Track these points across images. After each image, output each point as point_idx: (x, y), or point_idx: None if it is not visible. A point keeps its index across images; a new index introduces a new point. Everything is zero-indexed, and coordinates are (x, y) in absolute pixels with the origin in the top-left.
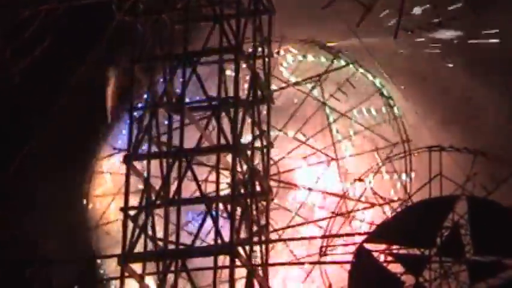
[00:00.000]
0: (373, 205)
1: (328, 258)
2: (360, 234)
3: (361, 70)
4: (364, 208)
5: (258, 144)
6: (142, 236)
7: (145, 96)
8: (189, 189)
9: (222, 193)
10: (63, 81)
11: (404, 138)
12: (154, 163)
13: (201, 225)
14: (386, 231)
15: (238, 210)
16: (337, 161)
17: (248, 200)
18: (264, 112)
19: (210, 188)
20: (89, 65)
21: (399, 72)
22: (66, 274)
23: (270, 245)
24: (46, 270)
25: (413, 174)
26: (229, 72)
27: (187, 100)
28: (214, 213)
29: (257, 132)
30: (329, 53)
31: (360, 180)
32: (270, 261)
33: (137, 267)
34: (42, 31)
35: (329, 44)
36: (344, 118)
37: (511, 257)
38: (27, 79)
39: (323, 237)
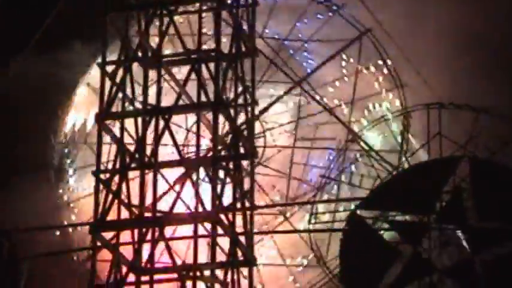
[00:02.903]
0: None
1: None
2: (352, 199)
3: None
4: None
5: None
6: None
7: None
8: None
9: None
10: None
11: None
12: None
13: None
14: (381, 197)
15: (221, 173)
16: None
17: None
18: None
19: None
20: None
21: None
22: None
23: None
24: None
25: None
26: None
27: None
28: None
29: (240, 88)
30: None
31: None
32: None
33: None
34: None
35: None
36: None
37: None
38: None
39: (312, 202)
